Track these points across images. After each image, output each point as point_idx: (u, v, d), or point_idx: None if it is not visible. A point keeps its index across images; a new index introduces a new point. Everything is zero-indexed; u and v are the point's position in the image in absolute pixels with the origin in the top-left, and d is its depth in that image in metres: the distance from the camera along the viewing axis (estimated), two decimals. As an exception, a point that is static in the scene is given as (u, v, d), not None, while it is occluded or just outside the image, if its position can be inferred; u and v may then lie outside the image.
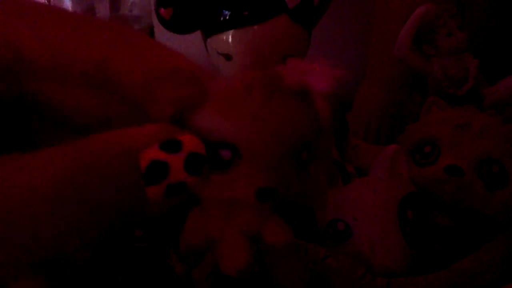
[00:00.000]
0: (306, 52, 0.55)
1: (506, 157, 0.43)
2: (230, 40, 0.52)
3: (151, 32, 0.83)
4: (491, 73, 0.62)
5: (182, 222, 0.22)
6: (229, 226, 0.20)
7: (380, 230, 0.39)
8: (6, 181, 0.17)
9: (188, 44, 0.52)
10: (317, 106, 0.20)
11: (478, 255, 0.39)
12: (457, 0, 0.61)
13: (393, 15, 0.69)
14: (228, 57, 0.52)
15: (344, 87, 0.21)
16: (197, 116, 0.20)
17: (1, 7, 0.20)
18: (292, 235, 0.21)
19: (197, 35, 0.56)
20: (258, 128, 0.20)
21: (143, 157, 0.18)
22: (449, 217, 0.43)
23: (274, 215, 0.21)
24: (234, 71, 0.52)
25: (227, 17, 0.51)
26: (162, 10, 0.51)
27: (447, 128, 0.45)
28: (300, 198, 0.22)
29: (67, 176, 0.17)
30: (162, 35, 0.61)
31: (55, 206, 0.17)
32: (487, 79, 0.62)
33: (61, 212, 0.17)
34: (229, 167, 0.20)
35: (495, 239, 0.41)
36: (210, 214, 0.20)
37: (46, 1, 0.84)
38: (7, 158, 0.18)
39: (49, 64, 0.20)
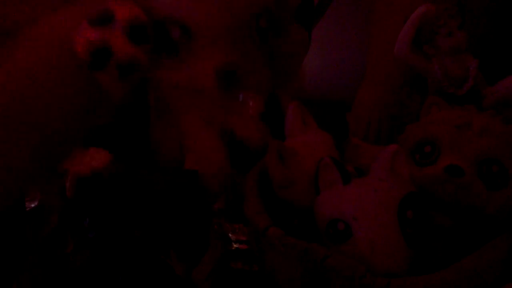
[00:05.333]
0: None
1: (506, 157, 0.43)
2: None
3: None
4: (491, 73, 0.62)
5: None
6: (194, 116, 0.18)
7: (380, 230, 0.39)
8: None
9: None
10: None
11: (478, 255, 0.39)
12: (457, 0, 0.61)
13: (393, 15, 0.69)
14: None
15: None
16: None
17: None
18: (269, 136, 0.18)
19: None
20: (207, 2, 0.18)
21: (78, 41, 0.15)
22: (449, 217, 0.43)
23: (254, 118, 0.19)
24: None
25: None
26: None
27: (447, 128, 0.45)
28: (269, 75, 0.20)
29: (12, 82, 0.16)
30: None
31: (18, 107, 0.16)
32: (487, 79, 0.62)
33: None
34: (179, 47, 0.17)
35: (496, 239, 0.41)
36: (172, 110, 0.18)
37: None
38: None
39: None
